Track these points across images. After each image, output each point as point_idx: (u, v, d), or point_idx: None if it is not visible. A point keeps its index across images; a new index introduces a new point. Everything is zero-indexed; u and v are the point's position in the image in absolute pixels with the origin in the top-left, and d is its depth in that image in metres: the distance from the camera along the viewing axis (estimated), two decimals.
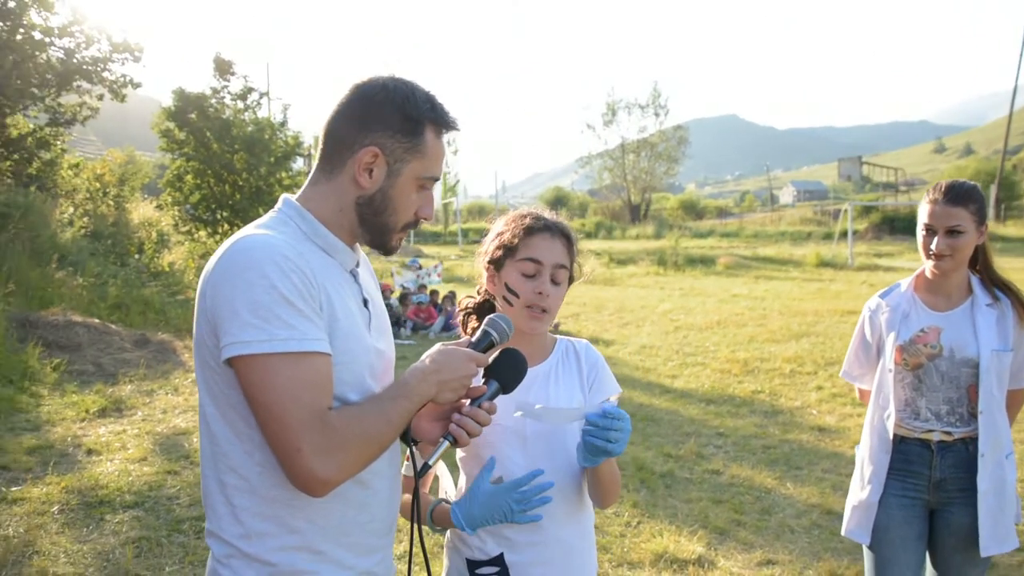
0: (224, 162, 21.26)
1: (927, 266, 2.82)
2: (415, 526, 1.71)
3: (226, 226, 22.12)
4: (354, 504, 1.65)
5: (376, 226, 1.68)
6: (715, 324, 13.70)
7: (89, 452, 6.37)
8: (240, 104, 22.95)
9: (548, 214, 2.09)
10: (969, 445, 2.77)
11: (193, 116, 21.42)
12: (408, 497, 1.83)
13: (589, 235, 45.84)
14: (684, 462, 6.34)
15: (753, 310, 15.46)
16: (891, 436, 2.85)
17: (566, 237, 2.05)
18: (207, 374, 1.58)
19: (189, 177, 21.62)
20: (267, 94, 23.96)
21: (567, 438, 2.00)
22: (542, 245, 2.00)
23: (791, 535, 4.88)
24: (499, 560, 1.98)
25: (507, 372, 1.76)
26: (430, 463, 1.69)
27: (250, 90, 23.03)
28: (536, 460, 1.97)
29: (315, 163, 1.71)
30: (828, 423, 7.52)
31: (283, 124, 23.60)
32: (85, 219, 17.10)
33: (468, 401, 1.72)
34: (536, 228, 2.02)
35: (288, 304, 1.48)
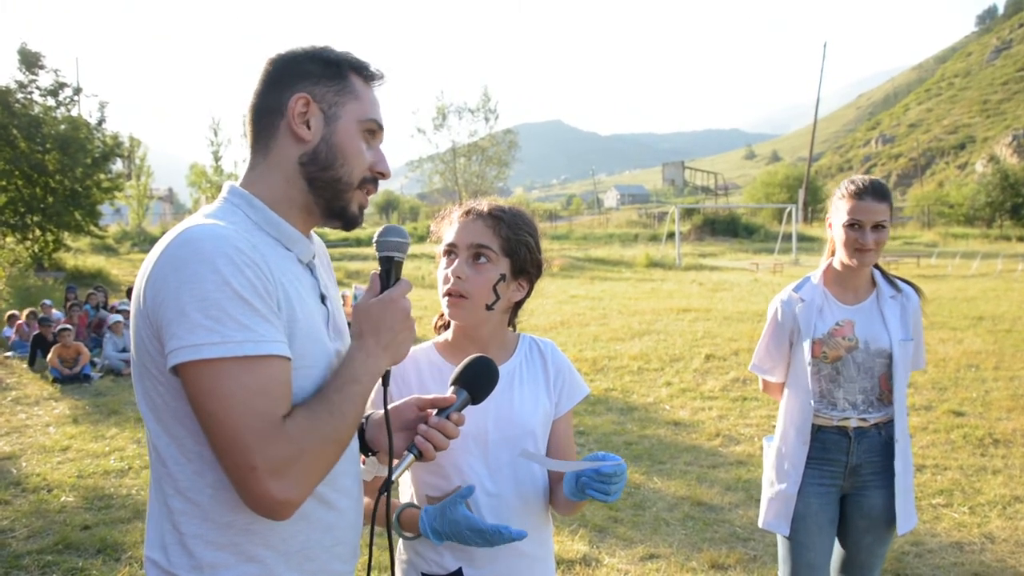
0: (34, 162, 19.71)
1: (840, 260, 2.90)
2: (387, 535, 1.55)
3: (37, 231, 20.54)
4: (319, 526, 1.48)
5: (328, 184, 1.51)
6: (559, 324, 13.91)
7: None
8: (51, 100, 21.36)
9: (479, 202, 1.95)
10: (881, 430, 2.90)
11: None
12: (370, 501, 1.71)
13: (422, 239, 45.63)
14: None
15: (593, 310, 15.83)
16: (809, 427, 2.92)
17: (491, 218, 1.90)
18: (148, 385, 1.38)
19: None
20: (80, 90, 22.38)
21: (530, 449, 1.90)
22: (458, 228, 1.91)
23: (667, 528, 4.96)
24: (458, 574, 1.85)
25: (477, 381, 1.63)
26: (394, 478, 1.54)
27: (62, 85, 21.47)
28: (499, 470, 1.87)
29: (248, 152, 1.53)
30: (682, 417, 7.75)
31: (100, 123, 22.14)
32: None
33: (435, 411, 1.58)
34: (456, 216, 1.94)
35: (242, 302, 1.29)
